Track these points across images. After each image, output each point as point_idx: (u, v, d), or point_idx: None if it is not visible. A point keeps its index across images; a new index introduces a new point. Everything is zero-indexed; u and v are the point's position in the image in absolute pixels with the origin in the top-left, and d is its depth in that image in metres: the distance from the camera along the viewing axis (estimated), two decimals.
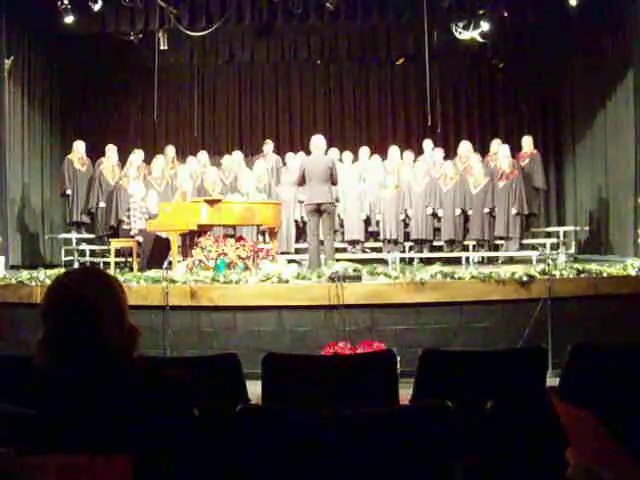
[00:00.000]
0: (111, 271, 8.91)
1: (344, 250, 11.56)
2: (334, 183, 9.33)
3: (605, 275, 7.47)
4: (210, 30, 11.43)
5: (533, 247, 11.35)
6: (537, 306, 6.95)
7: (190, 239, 9.76)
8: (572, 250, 11.64)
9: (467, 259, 11.06)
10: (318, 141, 9.36)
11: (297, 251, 11.71)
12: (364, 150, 12.70)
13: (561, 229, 11.97)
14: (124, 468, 1.35)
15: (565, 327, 6.79)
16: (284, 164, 12.66)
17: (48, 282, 7.06)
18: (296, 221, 11.91)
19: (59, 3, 10.62)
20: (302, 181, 9.23)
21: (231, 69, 14.61)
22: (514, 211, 11.19)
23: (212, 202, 9.13)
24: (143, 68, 12.73)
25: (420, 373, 3.76)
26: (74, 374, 1.84)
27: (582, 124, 12.54)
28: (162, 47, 11.70)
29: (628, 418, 1.90)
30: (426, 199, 11.52)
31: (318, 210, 8.97)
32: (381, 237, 11.81)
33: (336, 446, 2.46)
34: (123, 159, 12.14)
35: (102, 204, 11.72)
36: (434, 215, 11.58)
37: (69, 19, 10.84)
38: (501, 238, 11.42)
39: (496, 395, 2.67)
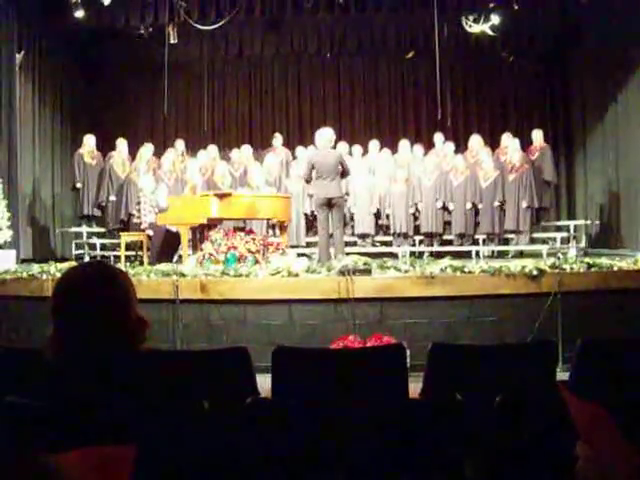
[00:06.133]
0: (121, 265, 8.94)
1: (354, 244, 11.55)
2: (346, 174, 9.06)
3: (616, 269, 7.42)
4: (220, 24, 11.41)
5: (543, 241, 11.31)
6: (547, 300, 6.93)
7: (200, 233, 9.77)
8: (582, 244, 11.59)
9: (477, 253, 11.03)
10: (326, 134, 9.01)
11: (307, 244, 11.72)
12: (374, 143, 12.64)
13: (571, 223, 11.93)
14: (127, 458, 1.35)
15: (575, 321, 6.77)
16: (294, 158, 12.64)
17: (59, 275, 7.09)
18: (306, 214, 11.91)
19: None
20: (310, 177, 8.93)
21: (241, 63, 14.59)
22: (525, 204, 11.17)
23: (222, 196, 9.13)
24: (153, 62, 12.75)
25: (430, 367, 3.75)
26: (82, 367, 1.85)
27: (593, 117, 12.47)
28: (172, 41, 11.71)
29: (638, 412, 1.90)
30: (436, 193, 11.52)
31: (328, 204, 8.78)
32: (391, 231, 11.81)
33: (345, 439, 2.47)
34: (133, 153, 12.18)
35: (112, 198, 11.77)
36: (444, 208, 11.57)
37: (80, 13, 10.88)
38: (511, 232, 11.41)
39: (506, 389, 2.67)
